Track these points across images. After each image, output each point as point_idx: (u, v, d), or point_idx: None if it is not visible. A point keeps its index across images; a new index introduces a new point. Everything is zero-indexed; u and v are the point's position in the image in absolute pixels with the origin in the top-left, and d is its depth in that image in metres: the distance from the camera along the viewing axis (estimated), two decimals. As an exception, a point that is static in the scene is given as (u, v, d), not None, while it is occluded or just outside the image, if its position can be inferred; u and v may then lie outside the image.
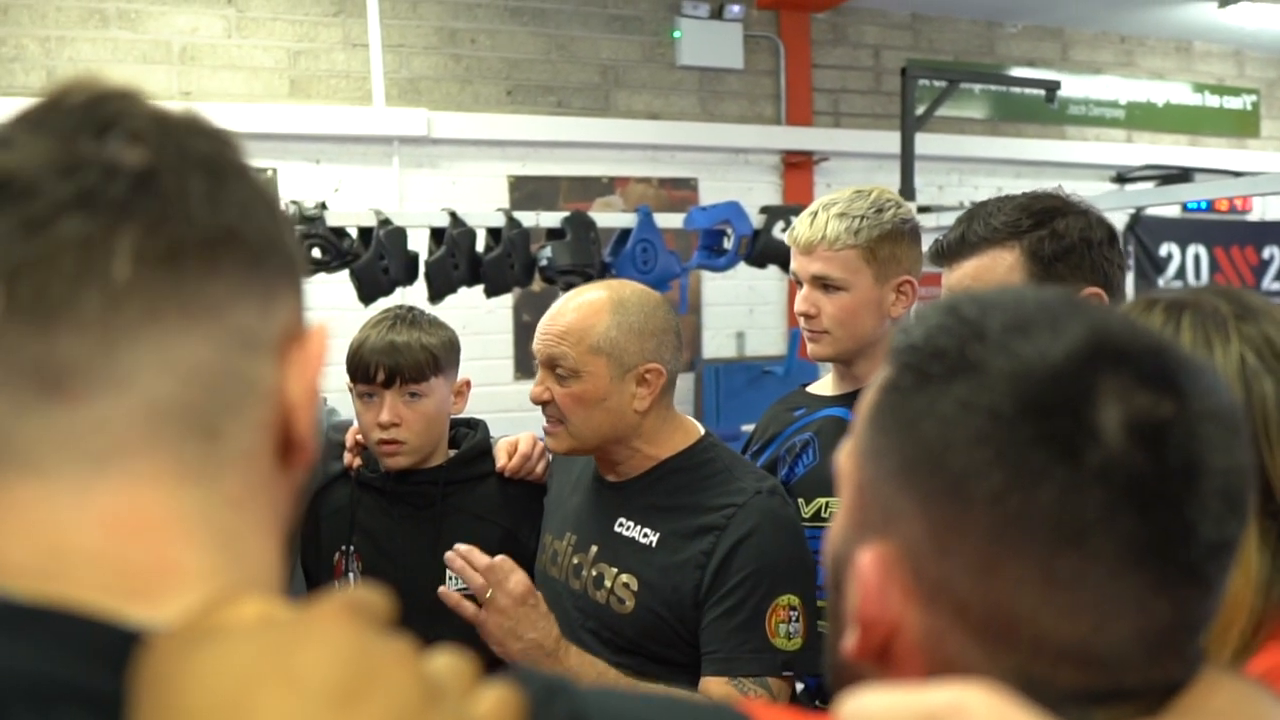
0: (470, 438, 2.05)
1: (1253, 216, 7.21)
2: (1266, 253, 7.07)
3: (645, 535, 1.70)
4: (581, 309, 1.72)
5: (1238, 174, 6.31)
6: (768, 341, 6.08)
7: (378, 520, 2.00)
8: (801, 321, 1.91)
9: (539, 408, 1.77)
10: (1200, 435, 0.56)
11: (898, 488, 0.59)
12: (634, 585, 1.68)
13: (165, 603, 0.48)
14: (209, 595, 0.46)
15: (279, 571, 0.54)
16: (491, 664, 1.89)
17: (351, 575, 1.98)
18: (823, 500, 1.84)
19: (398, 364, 1.89)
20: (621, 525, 1.73)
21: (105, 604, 0.47)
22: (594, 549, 1.75)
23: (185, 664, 0.42)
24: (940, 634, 0.58)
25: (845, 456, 0.65)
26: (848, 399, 1.90)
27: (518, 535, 1.97)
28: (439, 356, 1.92)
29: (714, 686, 1.60)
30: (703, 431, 1.80)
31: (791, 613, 1.61)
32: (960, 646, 0.58)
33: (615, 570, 1.70)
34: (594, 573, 1.73)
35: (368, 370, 1.90)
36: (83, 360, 0.48)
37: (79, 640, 0.46)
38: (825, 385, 2.03)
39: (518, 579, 1.59)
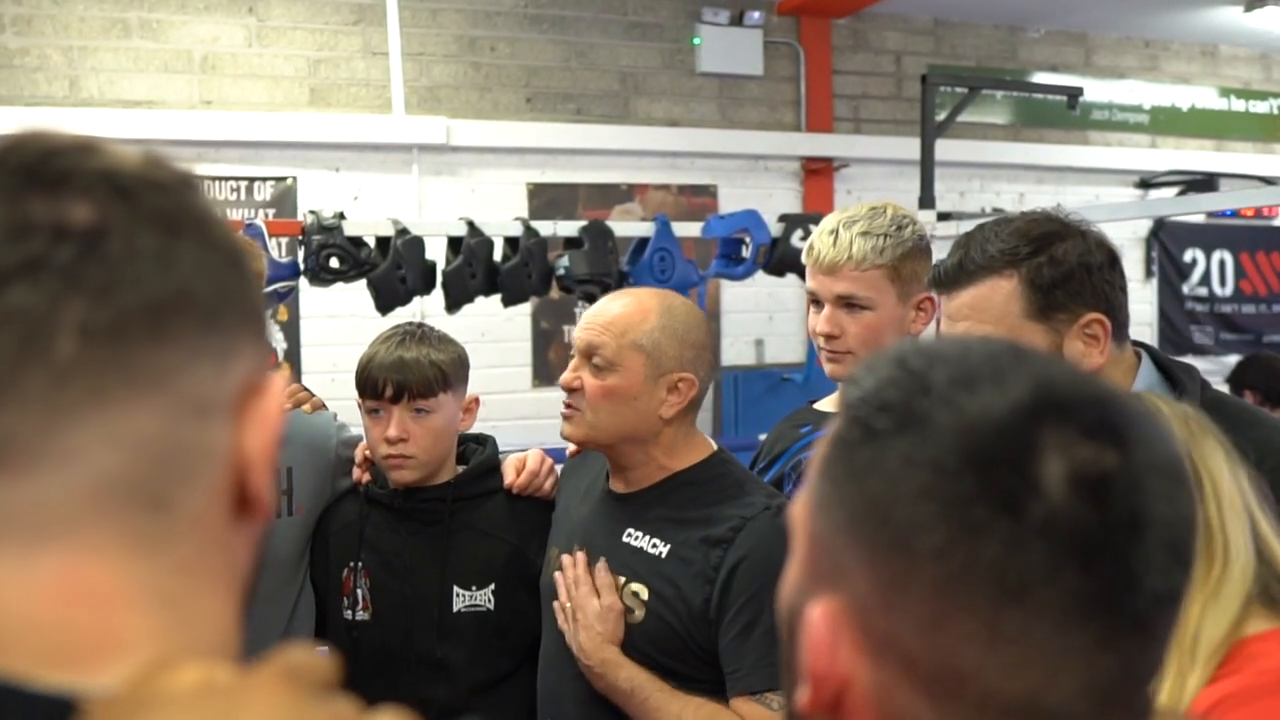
0: (479, 454, 2.06)
1: (1279, 222, 7.13)
2: (1293, 259, 6.99)
3: (654, 545, 1.71)
4: (630, 305, 1.74)
5: (1264, 179, 6.25)
6: (787, 349, 6.05)
7: (386, 536, 2.00)
8: (821, 341, 1.88)
9: (557, 416, 1.78)
10: (1144, 486, 0.56)
11: (846, 541, 0.59)
12: (644, 594, 1.69)
13: (107, 670, 0.47)
14: (148, 662, 0.46)
15: (232, 633, 0.54)
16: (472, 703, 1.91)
17: (360, 591, 1.99)
18: None
19: (406, 380, 1.90)
20: (630, 536, 1.74)
21: (43, 672, 0.46)
22: (602, 559, 1.75)
23: None
24: (889, 689, 0.58)
25: (798, 506, 0.65)
26: None
27: (525, 552, 1.98)
28: (447, 373, 1.93)
29: (744, 707, 1.61)
30: (716, 448, 1.81)
31: None
32: (909, 701, 0.57)
33: (624, 580, 1.71)
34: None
35: (376, 385, 1.91)
36: (24, 436, 0.47)
37: (12, 709, 0.46)
38: (833, 402, 2.01)
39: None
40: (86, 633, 0.48)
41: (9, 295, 0.47)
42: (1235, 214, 6.83)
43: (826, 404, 2.03)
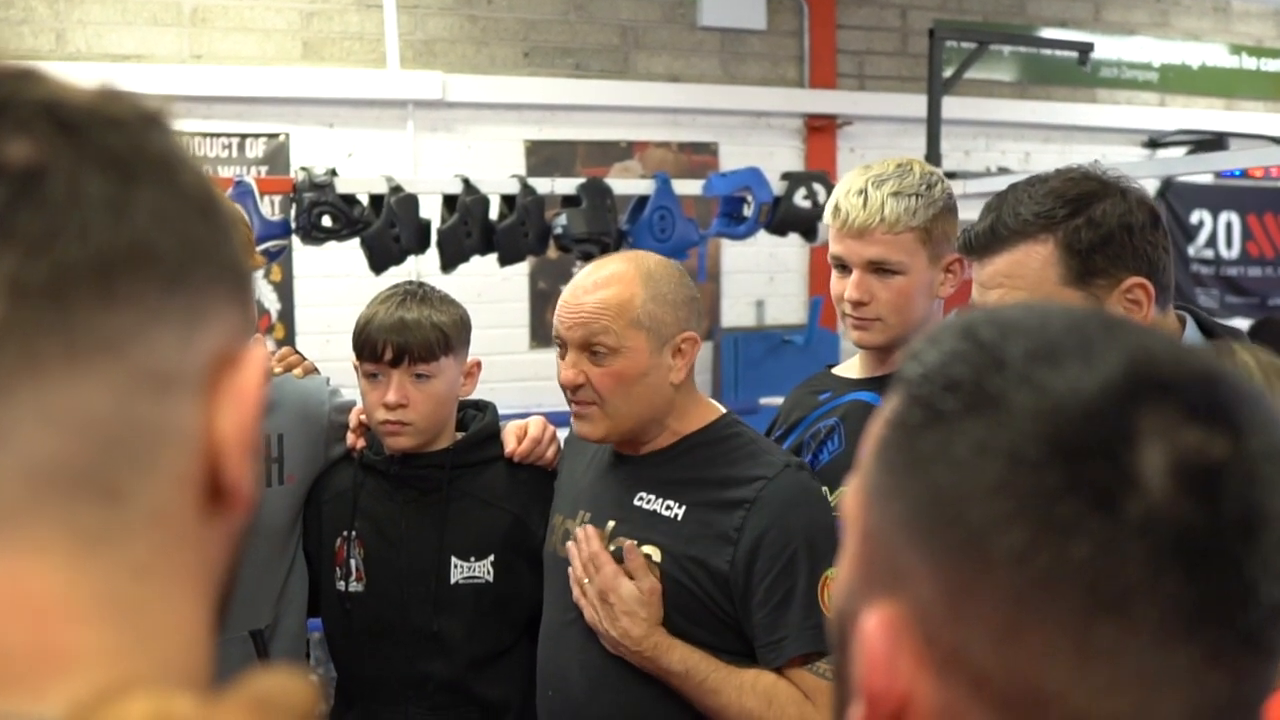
0: (478, 420, 2.00)
1: (1289, 183, 7.04)
2: (1302, 220, 6.90)
3: (669, 508, 1.67)
4: (611, 283, 1.67)
5: (1275, 140, 6.15)
6: (788, 310, 5.99)
7: (381, 505, 1.94)
8: (847, 308, 1.80)
9: (554, 377, 1.73)
10: (1260, 478, 0.48)
11: (907, 539, 0.52)
12: (657, 557, 1.65)
13: (49, 693, 0.40)
14: (93, 689, 0.38)
15: (202, 649, 0.46)
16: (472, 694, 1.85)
17: (353, 562, 1.94)
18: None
19: (406, 342, 1.83)
20: (642, 499, 1.69)
21: None
22: (611, 524, 1.71)
23: None
24: (957, 710, 0.51)
25: (851, 496, 0.58)
26: (876, 382, 1.82)
27: (526, 522, 1.92)
28: (449, 336, 1.87)
29: (798, 677, 1.59)
30: (724, 410, 1.77)
31: None
32: None
33: (636, 543, 1.67)
34: (611, 548, 1.69)
35: (375, 348, 1.84)
36: None
37: None
38: (851, 367, 1.95)
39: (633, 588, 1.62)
40: (21, 650, 0.40)
41: None
42: (1244, 175, 6.73)
43: (846, 369, 1.97)
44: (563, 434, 1.99)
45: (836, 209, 1.79)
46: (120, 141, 0.44)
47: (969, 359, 0.52)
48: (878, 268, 1.77)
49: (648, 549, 1.66)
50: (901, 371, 0.55)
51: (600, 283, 1.67)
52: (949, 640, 0.50)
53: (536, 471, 1.96)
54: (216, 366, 0.45)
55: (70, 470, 0.42)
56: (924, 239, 1.77)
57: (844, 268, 1.81)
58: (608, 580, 1.63)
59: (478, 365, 1.96)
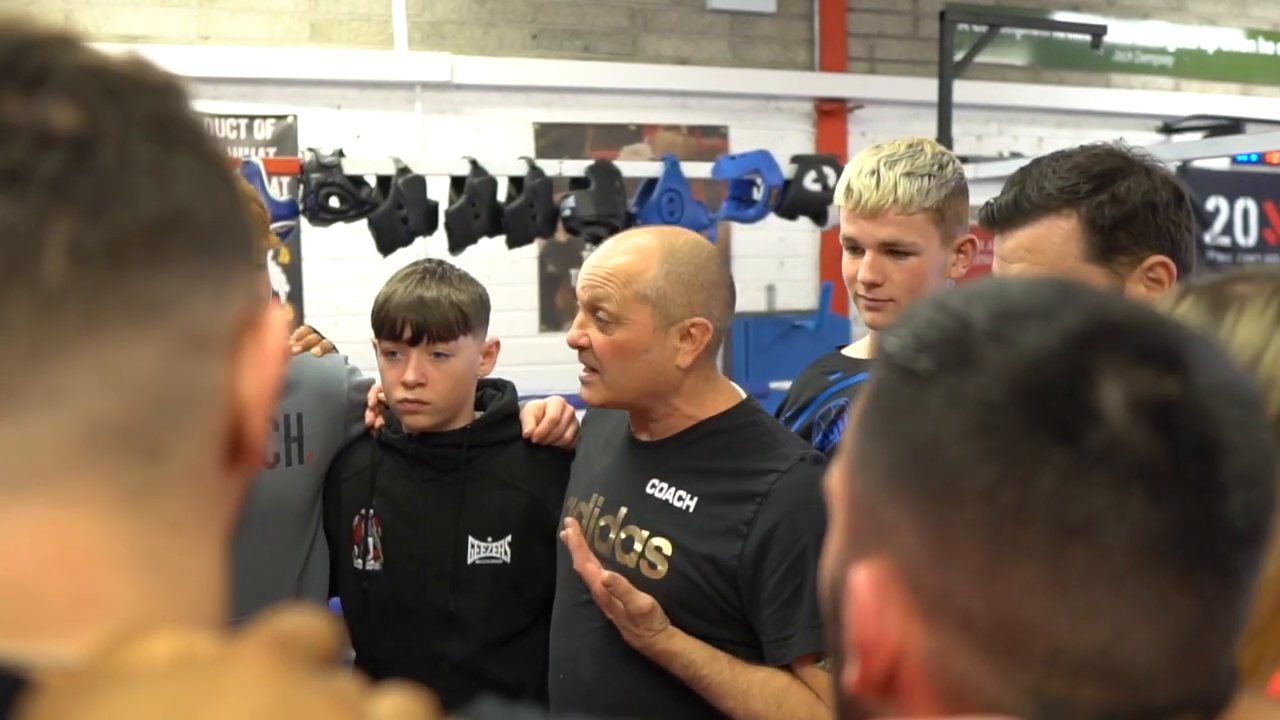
0: (497, 400, 1.98)
1: (1303, 169, 6.97)
2: (1316, 206, 6.83)
3: (681, 499, 1.65)
4: (630, 253, 1.65)
5: (1290, 124, 6.09)
6: (799, 295, 5.96)
7: (399, 484, 1.93)
8: (860, 289, 1.79)
9: (564, 361, 1.73)
10: (1212, 413, 0.52)
11: (889, 496, 0.55)
12: (667, 549, 1.63)
13: (77, 637, 0.42)
14: (118, 628, 0.39)
15: (220, 595, 0.49)
16: (480, 678, 1.83)
17: (371, 540, 1.92)
18: None
19: (425, 321, 1.81)
20: (654, 487, 1.67)
21: (3, 641, 0.41)
22: (623, 510, 1.69)
23: (78, 714, 0.36)
24: (946, 654, 0.53)
25: (835, 475, 0.61)
26: None
27: (544, 503, 1.91)
28: (469, 314, 1.85)
29: (809, 675, 1.57)
30: (744, 395, 1.74)
31: None
32: (969, 666, 0.53)
33: (646, 534, 1.65)
34: (622, 535, 1.67)
35: (394, 326, 1.83)
36: (7, 374, 0.42)
37: None
38: (861, 348, 1.93)
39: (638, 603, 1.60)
40: (59, 597, 0.42)
41: None
42: (1261, 160, 6.66)
43: (856, 350, 1.95)
44: (580, 415, 1.98)
45: (849, 190, 1.77)
46: (159, 108, 0.46)
47: (939, 325, 0.55)
48: (891, 249, 1.76)
49: (657, 541, 1.64)
50: (881, 348, 0.58)
51: (620, 250, 1.66)
52: (934, 585, 0.53)
53: (555, 452, 1.94)
54: (240, 329, 0.48)
55: (122, 429, 0.44)
56: (937, 219, 1.75)
57: (856, 249, 1.79)
58: (600, 597, 1.63)
59: (496, 344, 1.94)
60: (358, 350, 1.93)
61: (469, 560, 1.87)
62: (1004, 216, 1.49)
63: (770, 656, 1.58)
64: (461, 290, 1.85)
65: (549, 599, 1.86)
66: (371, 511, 1.91)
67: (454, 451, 1.90)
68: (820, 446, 1.79)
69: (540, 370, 4.76)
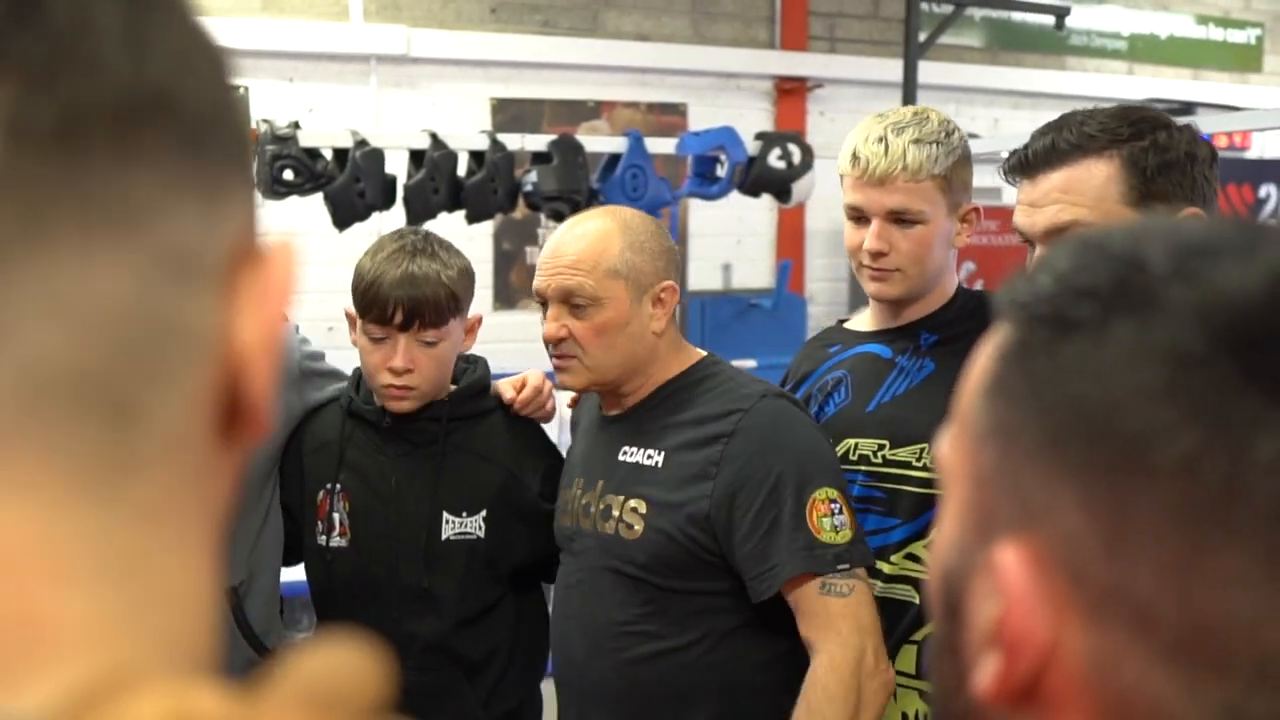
0: (470, 372, 1.93)
1: (1251, 154, 7.09)
2: (1263, 190, 6.93)
3: (650, 457, 1.68)
4: (589, 236, 1.69)
5: (1238, 110, 6.17)
6: (755, 274, 5.94)
7: (370, 458, 1.87)
8: (865, 259, 1.76)
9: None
10: None
11: (1043, 471, 0.45)
12: (642, 509, 1.66)
13: (26, 685, 0.29)
14: (85, 684, 0.29)
15: (211, 614, 0.35)
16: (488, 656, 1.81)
17: (337, 516, 1.86)
18: (852, 441, 1.76)
19: (418, 305, 1.74)
20: (625, 453, 1.71)
21: None
22: (600, 484, 1.72)
23: None
24: (1114, 659, 0.43)
25: (948, 449, 0.51)
26: (886, 335, 1.81)
27: (520, 477, 1.88)
28: (459, 295, 1.79)
29: (808, 602, 1.55)
30: (705, 354, 1.78)
31: (833, 505, 1.58)
32: (1144, 675, 0.43)
33: (622, 498, 1.68)
34: (602, 506, 1.71)
35: (384, 311, 1.74)
36: None
37: None
38: (863, 320, 1.91)
39: None
40: None
41: None
42: (1209, 143, 6.76)
43: (856, 322, 1.93)
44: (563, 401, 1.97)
45: (855, 157, 1.74)
46: None
47: (1099, 267, 0.45)
48: (898, 217, 1.73)
49: (633, 503, 1.66)
50: (1007, 300, 0.48)
51: (577, 236, 1.70)
52: (1104, 576, 0.43)
53: (530, 425, 1.93)
54: (236, 261, 0.36)
55: (76, 379, 0.31)
56: (944, 187, 1.73)
57: (861, 218, 1.76)
58: None
59: (479, 320, 1.90)
60: (312, 330, 1.86)
61: (443, 536, 1.83)
62: (1039, 159, 1.48)
63: (754, 593, 1.59)
64: (451, 266, 1.79)
65: (518, 571, 1.87)
66: (339, 486, 1.86)
67: (432, 425, 1.85)
68: (816, 418, 1.78)
69: (494, 349, 4.68)
